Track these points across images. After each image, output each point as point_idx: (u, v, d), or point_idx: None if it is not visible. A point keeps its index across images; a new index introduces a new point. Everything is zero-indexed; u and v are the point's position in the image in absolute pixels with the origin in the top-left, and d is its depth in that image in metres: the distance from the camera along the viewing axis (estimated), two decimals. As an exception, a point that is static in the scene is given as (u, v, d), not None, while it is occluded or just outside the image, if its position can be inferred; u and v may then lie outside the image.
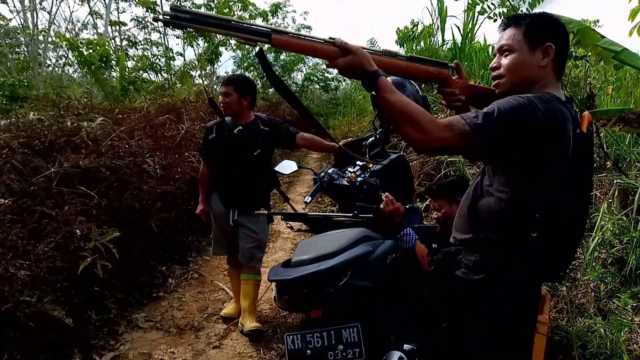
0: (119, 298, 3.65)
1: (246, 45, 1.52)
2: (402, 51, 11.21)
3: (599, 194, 3.67)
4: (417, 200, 4.73)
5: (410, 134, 1.40)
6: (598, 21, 3.83)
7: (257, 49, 1.53)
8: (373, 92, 1.49)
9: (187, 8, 1.48)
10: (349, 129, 11.60)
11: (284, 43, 1.51)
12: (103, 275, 3.31)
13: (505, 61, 1.57)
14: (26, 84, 8.56)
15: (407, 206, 2.63)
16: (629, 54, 3.16)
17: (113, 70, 9.99)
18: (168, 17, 1.40)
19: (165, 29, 12.96)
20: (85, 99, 5.93)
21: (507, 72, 1.57)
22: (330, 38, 1.54)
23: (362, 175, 2.83)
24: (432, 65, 1.69)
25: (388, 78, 2.76)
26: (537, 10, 3.73)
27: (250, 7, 14.27)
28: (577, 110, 3.66)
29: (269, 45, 1.51)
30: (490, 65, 1.65)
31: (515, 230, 1.51)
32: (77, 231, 3.32)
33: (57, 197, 3.66)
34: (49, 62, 12.71)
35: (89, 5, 13.86)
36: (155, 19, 1.47)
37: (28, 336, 2.74)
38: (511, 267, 1.51)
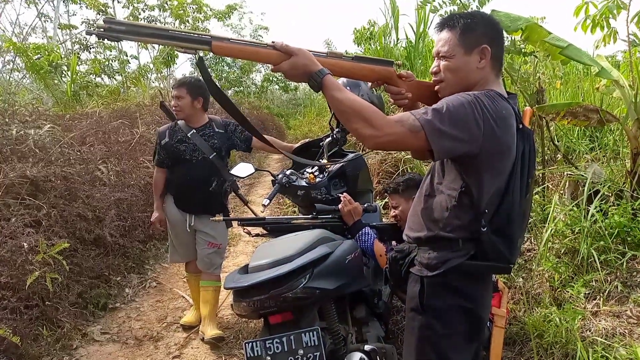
0: (73, 311, 3.50)
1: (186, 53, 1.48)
2: (360, 51, 11.29)
3: (550, 186, 3.78)
4: (377, 198, 4.76)
5: (360, 130, 1.40)
6: (545, 18, 3.95)
7: (197, 57, 1.50)
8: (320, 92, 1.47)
9: (121, 19, 1.43)
10: (310, 129, 11.63)
11: (225, 49, 1.49)
12: (53, 288, 3.16)
13: (443, 66, 1.58)
14: (-31, 91, 8.13)
15: (366, 205, 2.62)
16: (575, 50, 3.25)
17: (64, 75, 9.64)
18: (102, 30, 1.36)
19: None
20: (32, 105, 5.68)
21: (447, 77, 1.58)
22: (272, 42, 1.51)
23: (321, 176, 2.81)
24: (378, 64, 1.68)
25: (339, 79, 2.76)
26: (486, 8, 3.81)
27: (204, 8, 14.06)
28: (527, 104, 3.76)
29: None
30: (430, 70, 1.66)
31: (466, 226, 1.53)
32: (25, 244, 3.16)
33: (3, 209, 3.48)
34: (-6, 67, 12.13)
35: (37, 8, 13.32)
36: (89, 33, 1.41)
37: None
38: (463, 263, 1.53)
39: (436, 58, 1.61)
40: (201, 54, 1.51)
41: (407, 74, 1.71)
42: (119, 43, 12.41)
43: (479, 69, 1.54)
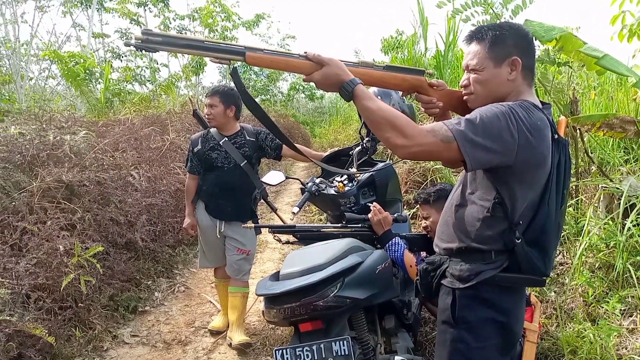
0: (104, 313, 3.58)
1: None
2: (387, 60, 11.29)
3: (584, 199, 3.69)
4: (405, 208, 4.73)
5: (392, 139, 1.41)
6: (579, 27, 3.89)
7: (231, 67, 1.53)
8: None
9: (159, 31, 1.47)
10: (335, 138, 11.63)
11: (258, 60, 1.51)
12: (87, 291, 3.24)
13: (473, 79, 1.57)
14: (8, 97, 8.44)
15: (396, 215, 2.61)
16: (611, 60, 3.18)
17: (98, 82, 9.91)
18: (140, 41, 1.39)
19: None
20: (68, 112, 5.85)
21: (476, 90, 1.57)
22: (304, 52, 1.53)
23: (350, 185, 2.82)
24: (409, 73, 1.68)
25: (370, 89, 2.77)
26: (519, 17, 3.77)
27: (233, 17, 14.28)
28: (560, 114, 3.70)
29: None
30: (460, 83, 1.65)
31: (499, 237, 1.51)
32: (60, 246, 3.25)
33: (40, 212, 3.59)
34: (31, 74, 12.56)
35: (72, 18, 13.74)
36: (127, 44, 1.46)
37: (8, 357, 2.66)
38: (496, 275, 1.51)
39: (466, 71, 1.61)
40: (235, 64, 1.54)
41: (438, 83, 1.71)
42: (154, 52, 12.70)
43: (509, 81, 1.53)
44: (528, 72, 1.56)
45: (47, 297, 3.09)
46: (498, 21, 3.49)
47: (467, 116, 1.43)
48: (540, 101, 1.59)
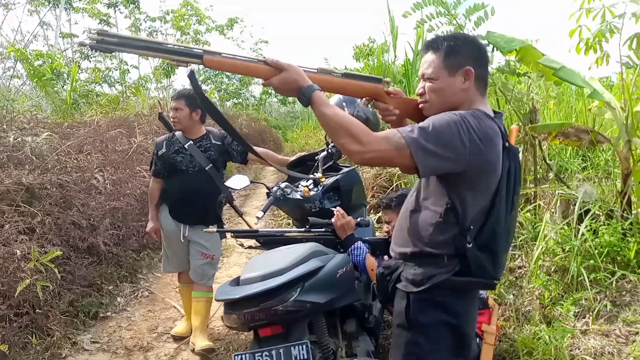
0: (63, 320, 3.49)
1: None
2: (359, 67, 11.39)
3: (542, 204, 3.81)
4: (372, 212, 4.78)
5: (347, 145, 1.43)
6: (538, 39, 4.02)
7: (188, 70, 1.53)
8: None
9: (115, 32, 1.47)
10: (307, 142, 11.68)
11: (216, 63, 1.52)
12: (45, 296, 3.16)
13: (428, 87, 1.61)
14: (-32, 96, 8.15)
15: (359, 219, 2.64)
16: (568, 71, 3.31)
17: (65, 83, 9.68)
18: (94, 42, 1.38)
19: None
20: (30, 113, 5.70)
21: (431, 98, 1.61)
22: (263, 57, 1.55)
23: (315, 190, 2.84)
24: (367, 81, 1.71)
25: (336, 96, 2.79)
26: (482, 28, 3.88)
27: (206, 20, 14.19)
28: (520, 123, 3.81)
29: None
30: (416, 91, 1.69)
31: (451, 242, 1.55)
32: (17, 251, 3.17)
33: (-3, 215, 3.49)
34: (-6, 73, 12.16)
35: (39, 16, 13.41)
36: (82, 44, 1.47)
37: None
38: (449, 278, 1.55)
39: (422, 80, 1.65)
40: (193, 67, 1.55)
41: (395, 91, 1.75)
42: (120, 53, 12.50)
43: (463, 90, 1.57)
44: (481, 82, 1.61)
45: (1, 304, 3.01)
46: (462, 32, 3.58)
47: (420, 124, 1.47)
48: (493, 110, 1.64)
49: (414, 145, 1.41)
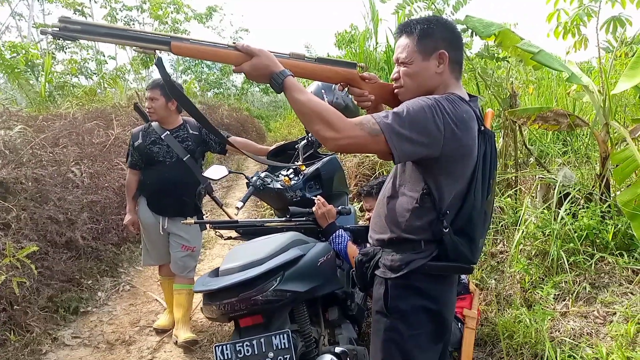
0: (43, 315, 3.43)
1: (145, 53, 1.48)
2: (341, 54, 11.33)
3: (523, 189, 3.84)
4: (354, 201, 4.77)
5: (321, 132, 1.41)
6: (517, 24, 4.02)
7: (156, 57, 1.49)
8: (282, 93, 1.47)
9: (77, 19, 1.41)
10: (289, 132, 11.62)
11: (184, 50, 1.47)
12: (22, 292, 3.09)
13: (403, 72, 1.59)
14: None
15: (340, 207, 2.63)
16: (546, 55, 3.31)
17: (40, 74, 9.45)
18: (57, 29, 1.34)
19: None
20: (3, 106, 5.56)
21: (406, 82, 1.59)
22: (232, 42, 1.52)
23: (296, 179, 2.81)
24: (341, 66, 1.68)
25: (315, 83, 2.75)
26: (460, 13, 3.87)
27: (184, 9, 13.96)
28: (499, 108, 3.82)
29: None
30: (391, 76, 1.67)
31: (427, 227, 1.54)
32: (-8, 247, 3.09)
33: (-31, 212, 3.40)
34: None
35: (11, 7, 13.04)
36: (44, 32, 1.39)
37: None
38: (426, 264, 1.54)
39: (396, 64, 1.63)
40: (160, 54, 1.50)
41: (369, 76, 1.72)
42: (96, 43, 12.24)
43: (437, 74, 1.56)
44: (455, 66, 1.59)
45: (-24, 301, 2.94)
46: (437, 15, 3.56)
47: (395, 109, 1.45)
48: (468, 94, 1.63)
49: (388, 131, 1.39)
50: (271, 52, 1.51)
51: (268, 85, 1.51)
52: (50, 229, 3.84)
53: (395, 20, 7.71)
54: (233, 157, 10.21)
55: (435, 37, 1.55)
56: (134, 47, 1.43)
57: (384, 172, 4.94)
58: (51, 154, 4.64)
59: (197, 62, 16.90)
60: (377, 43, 8.43)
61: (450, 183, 1.52)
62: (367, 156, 5.39)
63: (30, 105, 8.17)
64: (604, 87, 3.43)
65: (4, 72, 8.27)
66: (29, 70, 9.51)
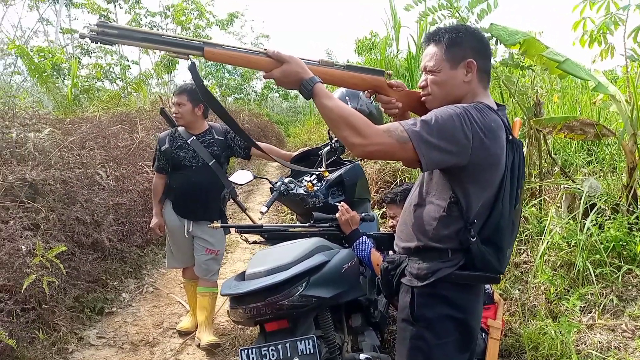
0: (69, 315, 3.50)
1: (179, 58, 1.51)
2: (361, 60, 11.36)
3: (547, 199, 3.80)
4: (375, 207, 4.77)
5: (349, 138, 1.42)
6: (542, 32, 3.99)
7: (189, 62, 1.52)
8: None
9: (115, 24, 1.45)
10: (309, 137, 11.65)
11: (217, 55, 1.50)
12: (50, 292, 3.16)
13: (430, 80, 1.59)
14: (-30, 93, 8.15)
15: (363, 214, 2.63)
16: (572, 64, 3.29)
17: (66, 78, 9.67)
18: (95, 33, 1.37)
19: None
20: (32, 109, 5.69)
21: (433, 91, 1.60)
22: (264, 49, 1.54)
23: (319, 185, 2.83)
24: (369, 73, 1.69)
25: (339, 90, 2.77)
26: (485, 21, 3.85)
27: (206, 15, 14.13)
28: (524, 116, 3.79)
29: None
30: (418, 84, 1.68)
31: (455, 236, 1.54)
32: (22, 247, 3.17)
33: (2, 212, 3.49)
34: (-5, 70, 12.16)
35: (39, 12, 13.38)
36: (82, 36, 1.43)
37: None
38: (453, 273, 1.54)
39: (424, 72, 1.63)
40: (194, 60, 1.53)
41: (397, 84, 1.73)
42: (120, 48, 12.48)
43: (465, 83, 1.56)
44: (483, 75, 1.59)
45: (8, 299, 3.01)
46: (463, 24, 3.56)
47: (423, 117, 1.45)
48: (496, 103, 1.63)
49: (417, 139, 1.39)
50: (301, 59, 1.53)
51: (287, 90, 1.53)
52: (77, 230, 3.92)
53: (417, 28, 7.74)
54: (254, 162, 10.28)
55: (464, 45, 1.55)
56: (168, 52, 1.47)
57: (406, 179, 4.93)
58: (78, 157, 4.74)
59: (218, 67, 17.08)
60: (398, 50, 8.44)
61: (478, 191, 1.52)
62: (388, 163, 5.38)
63: (57, 108, 8.36)
64: (632, 97, 3.39)
65: (32, 75, 8.49)
66: (55, 73, 9.73)
